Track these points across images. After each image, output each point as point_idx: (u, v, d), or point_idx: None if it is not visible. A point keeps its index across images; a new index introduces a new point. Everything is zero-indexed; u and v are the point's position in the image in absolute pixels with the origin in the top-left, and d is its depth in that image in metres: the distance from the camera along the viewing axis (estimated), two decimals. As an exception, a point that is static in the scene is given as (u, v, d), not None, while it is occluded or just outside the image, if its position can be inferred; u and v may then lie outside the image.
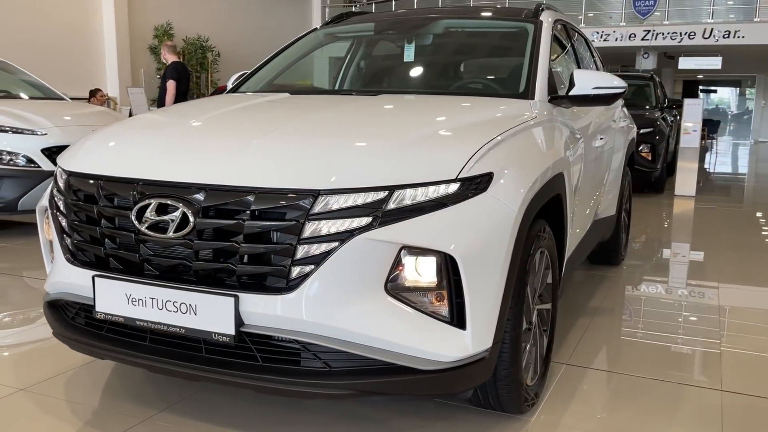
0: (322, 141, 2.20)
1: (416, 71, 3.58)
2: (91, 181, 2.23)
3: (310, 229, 1.93)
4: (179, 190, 2.05)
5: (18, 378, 2.80)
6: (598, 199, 3.94)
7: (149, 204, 2.06)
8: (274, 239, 1.96)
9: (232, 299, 1.96)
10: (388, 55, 3.88)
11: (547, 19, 3.45)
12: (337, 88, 3.88)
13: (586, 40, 4.66)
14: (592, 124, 3.61)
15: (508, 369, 2.25)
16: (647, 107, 10.08)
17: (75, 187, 2.29)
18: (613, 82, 3.03)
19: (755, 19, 16.84)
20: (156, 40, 14.31)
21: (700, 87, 32.98)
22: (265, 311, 1.97)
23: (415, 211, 1.97)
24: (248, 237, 1.96)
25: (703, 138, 21.31)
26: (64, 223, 2.32)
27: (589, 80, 3.00)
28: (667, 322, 3.81)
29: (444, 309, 2.01)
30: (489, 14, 3.95)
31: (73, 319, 2.38)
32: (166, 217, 2.03)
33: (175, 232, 2.02)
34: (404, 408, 2.55)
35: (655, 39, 16.79)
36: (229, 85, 3.68)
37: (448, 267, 1.98)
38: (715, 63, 17.34)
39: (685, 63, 17.77)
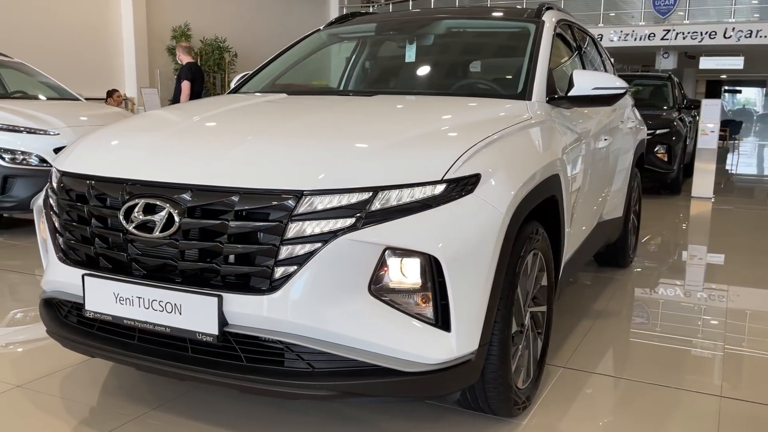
0: (307, 142, 2.20)
1: (415, 72, 3.57)
2: (82, 181, 2.25)
3: (293, 229, 1.93)
4: (166, 191, 2.07)
5: (16, 375, 2.83)
6: (602, 200, 3.90)
7: (137, 204, 2.08)
8: (258, 239, 1.96)
9: (215, 299, 1.96)
10: (388, 56, 3.87)
11: (549, 19, 3.42)
12: (341, 88, 3.88)
13: (594, 40, 4.61)
14: (595, 124, 3.57)
15: (496, 372, 2.23)
16: (665, 108, 9.97)
17: (67, 186, 2.31)
18: (614, 83, 3.00)
19: (778, 19, 16.60)
20: (174, 41, 14.44)
21: (725, 87, 32.56)
22: (249, 311, 1.97)
23: (400, 212, 1.96)
24: (232, 237, 1.97)
25: (724, 139, 21.09)
26: (56, 222, 2.34)
27: (588, 81, 2.98)
28: (672, 326, 3.76)
29: (428, 311, 1.99)
30: (491, 15, 3.93)
31: (66, 318, 2.40)
32: (152, 217, 2.04)
33: (161, 231, 2.03)
34: (395, 410, 2.54)
35: (675, 39, 16.59)
36: (232, 85, 3.71)
37: (432, 268, 1.96)
38: (736, 63, 17.08)
39: (706, 63, 17.53)
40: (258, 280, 1.97)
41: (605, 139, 3.70)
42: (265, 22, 17.36)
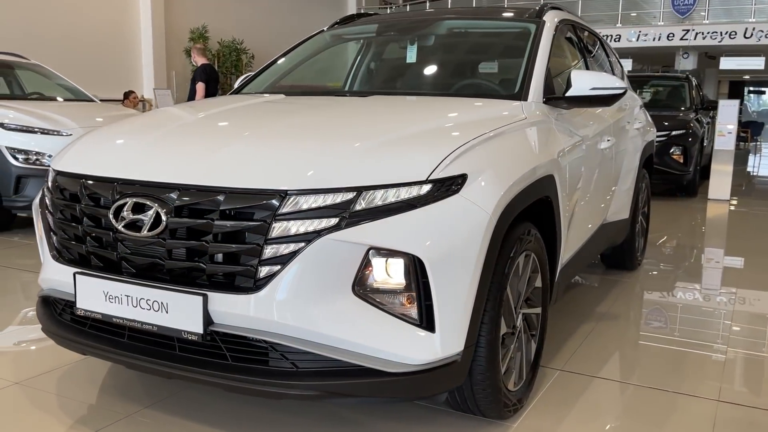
0: (293, 142, 2.21)
1: (414, 73, 3.57)
2: (75, 180, 2.28)
3: (277, 229, 1.94)
4: (154, 190, 2.08)
5: (17, 372, 2.87)
6: (606, 202, 3.86)
7: (126, 203, 2.10)
8: (243, 239, 1.97)
9: (200, 298, 1.98)
10: (387, 57, 3.87)
11: (551, 19, 3.39)
12: (346, 88, 3.89)
13: (601, 41, 4.57)
14: (597, 125, 3.54)
15: (484, 373, 2.22)
16: (682, 108, 9.85)
17: (61, 186, 2.34)
18: (613, 83, 2.96)
19: (801, 19, 16.33)
20: (191, 43, 14.55)
21: (749, 88, 32.09)
22: (233, 311, 1.98)
23: (384, 212, 1.96)
24: (217, 236, 1.98)
25: (746, 140, 20.78)
26: (51, 220, 2.37)
27: (586, 81, 2.95)
28: (675, 329, 3.71)
29: (413, 311, 1.99)
30: (493, 15, 3.91)
31: (60, 315, 2.43)
32: (140, 216, 2.06)
33: (149, 230, 2.05)
34: (386, 411, 2.53)
35: (695, 39, 16.39)
36: (236, 86, 3.74)
37: (416, 269, 1.96)
38: (757, 63, 16.84)
39: (726, 63, 17.30)
40: (242, 279, 1.98)
41: (608, 140, 3.66)
42: (283, 23, 17.44)
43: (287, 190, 1.95)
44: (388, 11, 17.60)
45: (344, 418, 2.49)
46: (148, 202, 2.06)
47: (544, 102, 2.91)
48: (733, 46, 16.72)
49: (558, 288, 2.97)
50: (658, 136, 8.82)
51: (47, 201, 2.41)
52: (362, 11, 20.96)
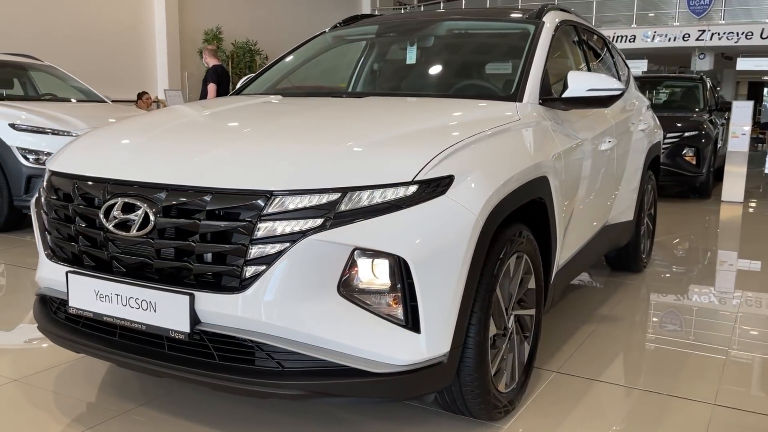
0: (280, 143, 2.22)
1: (411, 74, 3.57)
2: (68, 180, 2.31)
3: (262, 229, 1.95)
4: (143, 190, 2.11)
5: (16, 369, 2.91)
6: (607, 203, 3.84)
7: (116, 203, 2.12)
8: (229, 239, 1.98)
9: (187, 297, 2.00)
10: (387, 58, 3.87)
11: (552, 20, 3.38)
12: (350, 89, 3.90)
13: (606, 42, 4.55)
14: (597, 126, 3.52)
15: (472, 374, 2.21)
16: (696, 109, 9.76)
17: (55, 185, 2.38)
18: (610, 84, 2.95)
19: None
20: (207, 44, 14.66)
21: (768, 89, 31.70)
22: (219, 310, 1.99)
23: (370, 213, 1.96)
24: (204, 236, 2.00)
25: (763, 141, 20.53)
26: (45, 220, 2.40)
27: (583, 82, 2.93)
28: (677, 331, 3.68)
29: (399, 312, 1.99)
30: (493, 16, 3.90)
31: (55, 314, 2.46)
32: (129, 216, 2.09)
33: (138, 230, 2.07)
34: (377, 411, 2.54)
35: (711, 39, 16.22)
36: (237, 86, 3.76)
37: (401, 270, 1.96)
38: (775, 64, 16.64)
39: (743, 64, 17.10)
40: (228, 279, 1.99)
41: (609, 141, 3.64)
42: (296, 24, 17.48)
43: (272, 191, 1.96)
44: (402, 11, 17.60)
45: (336, 417, 2.50)
46: (137, 202, 2.09)
47: (541, 103, 2.90)
48: (749, 47, 16.52)
49: (554, 290, 2.95)
50: (670, 137, 8.82)
51: (43, 201, 2.44)
52: (376, 11, 21.02)
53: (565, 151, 2.92)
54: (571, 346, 3.30)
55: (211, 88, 9.16)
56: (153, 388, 2.68)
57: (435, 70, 3.56)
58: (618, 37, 17.44)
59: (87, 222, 2.23)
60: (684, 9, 17.06)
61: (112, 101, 7.82)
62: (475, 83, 3.33)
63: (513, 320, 2.49)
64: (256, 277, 1.95)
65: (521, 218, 2.51)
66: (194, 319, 2.01)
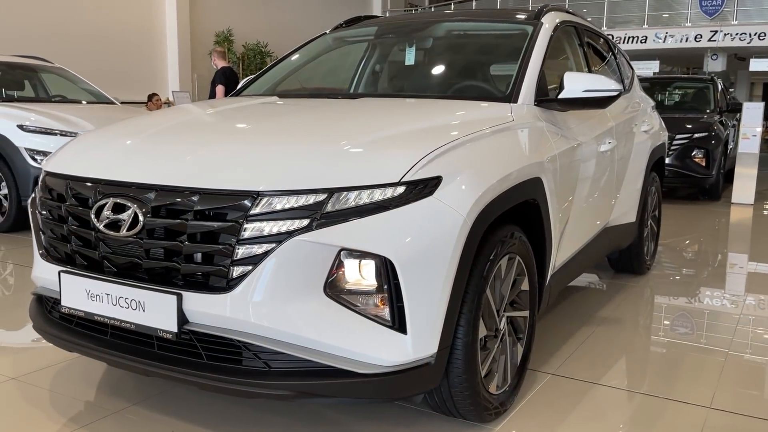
0: (268, 144, 2.23)
1: (408, 75, 3.57)
2: (62, 181, 2.34)
3: (249, 229, 1.96)
4: (133, 190, 2.12)
5: (15, 367, 2.94)
6: (608, 204, 3.82)
7: (107, 203, 2.14)
8: (216, 239, 1.99)
9: (174, 297, 2.01)
10: (386, 59, 3.87)
11: (551, 20, 3.37)
12: (351, 91, 3.91)
13: (609, 42, 4.52)
14: (596, 127, 3.49)
15: (461, 376, 2.21)
16: (707, 111, 9.69)
17: (49, 186, 2.40)
18: (606, 85, 2.94)
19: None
20: (216, 46, 14.74)
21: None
22: (206, 310, 2.01)
23: (356, 214, 1.97)
24: (191, 236, 2.01)
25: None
26: (39, 220, 2.43)
27: (579, 83, 2.92)
28: (677, 335, 3.65)
29: (385, 313, 2.00)
30: (493, 17, 3.89)
31: (50, 313, 2.49)
32: (119, 216, 2.10)
33: (127, 230, 2.08)
34: (367, 411, 2.54)
35: (723, 40, 16.08)
36: (238, 88, 3.78)
37: (387, 271, 1.96)
38: (789, 65, 16.46)
39: (756, 65, 16.91)
40: (215, 279, 2.00)
41: (609, 143, 3.62)
42: (308, 26, 17.48)
43: (259, 191, 1.97)
44: (413, 12, 17.59)
45: (327, 418, 2.50)
46: (127, 203, 2.10)
47: (536, 104, 2.89)
48: (763, 48, 16.36)
49: (550, 292, 2.94)
50: (680, 139, 8.76)
51: (38, 201, 2.47)
52: (387, 13, 21.00)
53: (561, 153, 2.90)
54: (569, 348, 3.28)
55: (220, 89, 9.18)
56: (147, 388, 2.70)
57: (432, 71, 3.56)
58: (629, 38, 17.35)
59: (79, 222, 2.25)
60: (696, 9, 16.92)
61: (124, 103, 7.91)
62: (472, 84, 3.33)
63: (505, 322, 2.49)
64: (242, 277, 1.96)
65: (514, 219, 2.50)
66: (182, 319, 2.02)
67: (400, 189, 2.01)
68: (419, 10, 22.54)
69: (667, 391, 2.81)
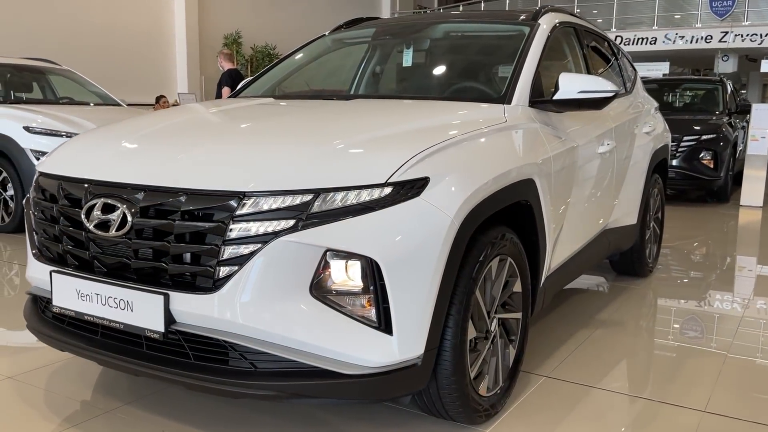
0: (255, 145, 2.24)
1: (403, 76, 3.57)
2: (54, 181, 2.35)
3: (235, 230, 1.96)
4: (121, 191, 2.14)
5: (12, 366, 2.96)
6: (607, 206, 3.79)
7: (97, 203, 2.15)
8: (203, 240, 2.00)
9: (161, 297, 2.02)
10: (383, 61, 3.87)
11: (549, 21, 3.36)
12: (351, 92, 3.91)
13: (610, 43, 4.50)
14: (595, 129, 3.48)
15: (450, 378, 2.20)
16: (715, 112, 9.62)
17: (42, 186, 2.42)
18: (602, 86, 2.92)
19: None
20: (225, 48, 14.80)
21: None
22: (193, 310, 2.01)
23: (342, 215, 1.97)
24: (178, 237, 2.02)
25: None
26: (32, 220, 2.45)
27: (574, 84, 2.90)
28: (676, 337, 3.63)
29: (371, 313, 1.99)
30: (490, 18, 3.88)
31: (43, 312, 2.51)
32: (108, 216, 2.11)
33: (116, 230, 2.10)
34: (356, 412, 2.54)
35: (733, 41, 15.95)
36: (237, 89, 3.80)
37: (373, 271, 1.96)
38: (801, 66, 16.26)
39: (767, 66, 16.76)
40: (202, 279, 2.01)
41: (608, 144, 3.59)
42: (316, 29, 17.48)
43: (245, 192, 1.97)
44: (422, 13, 17.58)
45: (318, 418, 2.50)
46: (116, 203, 2.11)
47: (531, 105, 2.88)
48: (774, 48, 16.25)
49: (544, 294, 2.92)
50: (687, 141, 8.70)
51: (31, 201, 2.48)
52: (395, 14, 21.00)
53: (556, 154, 2.89)
54: (565, 350, 3.27)
55: (225, 91, 9.22)
56: (140, 388, 2.71)
57: (429, 72, 3.55)
58: (639, 39, 17.26)
59: (70, 222, 2.26)
60: (706, 10, 16.80)
61: (133, 105, 7.96)
62: (467, 85, 3.32)
63: (497, 323, 2.48)
64: (228, 277, 1.97)
65: (506, 221, 2.50)
66: (169, 319, 2.03)
67: (387, 190, 2.01)
68: (428, 11, 22.54)
69: (663, 395, 2.78)
